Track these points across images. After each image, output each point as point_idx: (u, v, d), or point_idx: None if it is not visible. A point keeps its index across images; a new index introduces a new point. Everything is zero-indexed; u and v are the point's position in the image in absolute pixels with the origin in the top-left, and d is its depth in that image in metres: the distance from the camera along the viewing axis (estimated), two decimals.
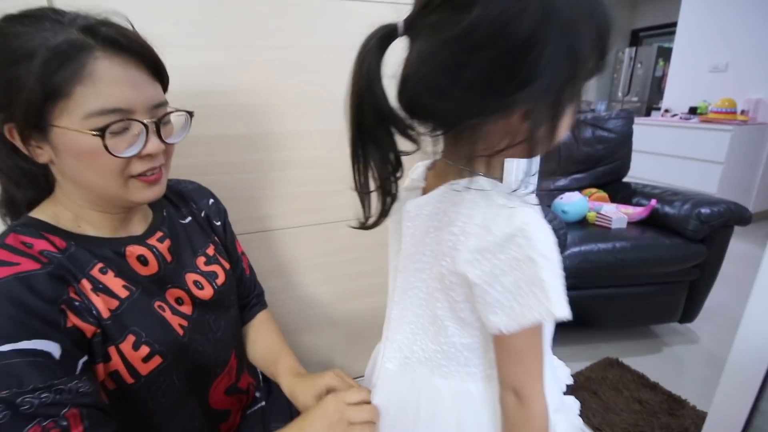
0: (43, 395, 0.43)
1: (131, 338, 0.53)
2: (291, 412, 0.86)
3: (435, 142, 0.46)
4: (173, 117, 0.57)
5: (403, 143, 0.47)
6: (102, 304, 0.51)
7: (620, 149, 1.99)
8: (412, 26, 0.41)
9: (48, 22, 0.47)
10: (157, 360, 0.56)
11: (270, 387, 0.90)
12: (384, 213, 0.50)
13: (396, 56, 0.43)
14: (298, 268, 1.13)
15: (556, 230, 1.36)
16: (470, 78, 0.38)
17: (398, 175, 0.49)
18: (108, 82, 0.48)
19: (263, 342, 0.82)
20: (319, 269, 1.15)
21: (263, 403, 0.86)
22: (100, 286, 0.52)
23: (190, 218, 0.72)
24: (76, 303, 0.49)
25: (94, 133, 0.47)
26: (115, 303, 0.53)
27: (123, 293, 0.54)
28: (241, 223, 0.93)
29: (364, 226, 0.51)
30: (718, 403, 0.74)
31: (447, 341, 0.49)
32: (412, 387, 0.52)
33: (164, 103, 0.55)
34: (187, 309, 0.63)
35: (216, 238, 0.75)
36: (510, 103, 0.38)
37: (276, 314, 0.94)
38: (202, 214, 0.75)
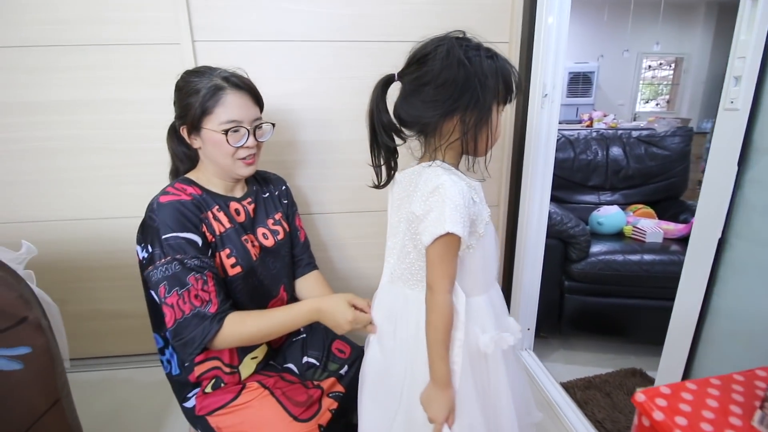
0: (194, 261, 0.82)
1: (227, 251, 0.90)
2: (325, 344, 1.16)
3: (419, 144, 0.76)
4: (264, 126, 0.96)
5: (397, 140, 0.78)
6: (216, 227, 0.90)
7: (675, 167, 1.96)
8: (401, 76, 0.72)
9: (206, 73, 0.89)
10: (238, 269, 0.91)
11: (312, 325, 1.20)
12: (389, 179, 0.80)
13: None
14: (341, 245, 1.46)
15: (577, 236, 1.50)
16: (425, 97, 0.68)
17: (395, 156, 0.79)
18: (232, 106, 0.88)
19: (320, 290, 1.14)
20: (359, 248, 1.47)
21: (305, 335, 1.17)
22: (216, 217, 0.91)
23: (268, 194, 1.08)
24: (206, 221, 0.88)
25: (222, 132, 0.87)
26: (222, 228, 0.91)
27: (227, 225, 0.92)
28: (300, 206, 1.28)
29: (377, 186, 0.81)
30: (663, 361, 0.86)
31: (410, 262, 0.75)
32: (394, 294, 0.79)
33: (260, 118, 0.95)
34: (257, 250, 0.98)
35: (282, 210, 1.10)
36: (448, 111, 0.67)
37: None
38: (276, 194, 1.11)
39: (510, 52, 1.34)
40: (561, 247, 1.55)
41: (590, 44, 5.31)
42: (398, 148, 0.78)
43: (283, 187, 1.14)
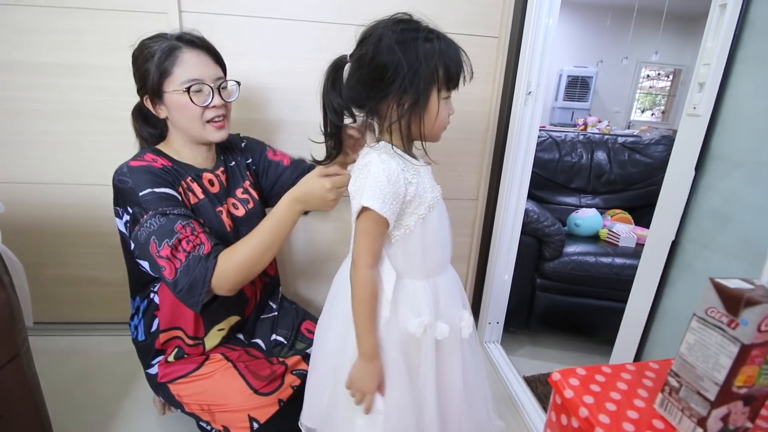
0: (178, 211, 0.82)
1: (201, 221, 0.88)
2: (294, 324, 1.18)
3: (371, 127, 0.75)
4: (229, 85, 0.94)
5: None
6: (190, 198, 0.89)
7: (656, 175, 1.99)
8: (351, 57, 0.71)
9: (160, 38, 0.87)
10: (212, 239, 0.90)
11: (282, 304, 1.23)
12: (337, 152, 0.80)
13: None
14: (320, 228, 1.46)
15: (552, 235, 1.52)
16: (361, 79, 0.68)
17: (341, 135, 0.79)
18: (190, 64, 0.86)
19: None
20: (337, 231, 1.47)
21: (276, 312, 1.19)
22: (190, 188, 0.91)
23: (234, 163, 1.07)
24: (180, 190, 0.87)
25: (185, 90, 0.85)
26: (196, 200, 0.91)
27: (200, 196, 0.92)
28: None
29: (325, 159, 0.81)
30: (613, 360, 0.89)
31: None
32: (346, 270, 0.78)
33: (222, 77, 0.93)
34: (230, 221, 0.98)
35: (249, 175, 1.08)
36: (385, 94, 0.67)
37: (297, 261, 1.27)
38: (240, 159, 1.08)
39: (498, 47, 1.35)
40: (536, 244, 1.58)
41: (590, 49, 5.31)
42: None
43: (243, 144, 1.11)
